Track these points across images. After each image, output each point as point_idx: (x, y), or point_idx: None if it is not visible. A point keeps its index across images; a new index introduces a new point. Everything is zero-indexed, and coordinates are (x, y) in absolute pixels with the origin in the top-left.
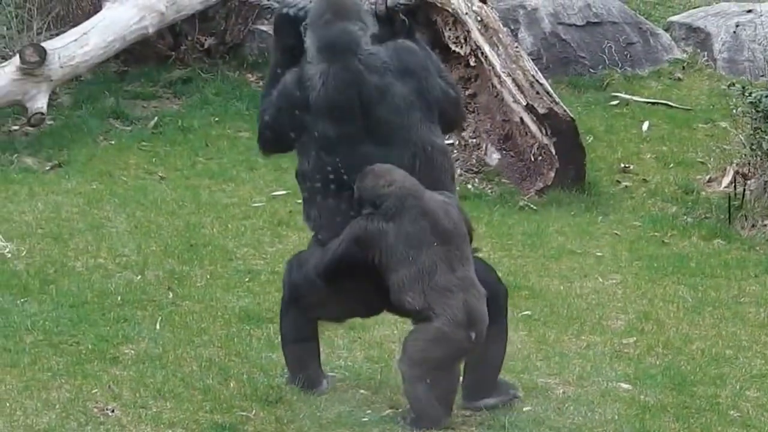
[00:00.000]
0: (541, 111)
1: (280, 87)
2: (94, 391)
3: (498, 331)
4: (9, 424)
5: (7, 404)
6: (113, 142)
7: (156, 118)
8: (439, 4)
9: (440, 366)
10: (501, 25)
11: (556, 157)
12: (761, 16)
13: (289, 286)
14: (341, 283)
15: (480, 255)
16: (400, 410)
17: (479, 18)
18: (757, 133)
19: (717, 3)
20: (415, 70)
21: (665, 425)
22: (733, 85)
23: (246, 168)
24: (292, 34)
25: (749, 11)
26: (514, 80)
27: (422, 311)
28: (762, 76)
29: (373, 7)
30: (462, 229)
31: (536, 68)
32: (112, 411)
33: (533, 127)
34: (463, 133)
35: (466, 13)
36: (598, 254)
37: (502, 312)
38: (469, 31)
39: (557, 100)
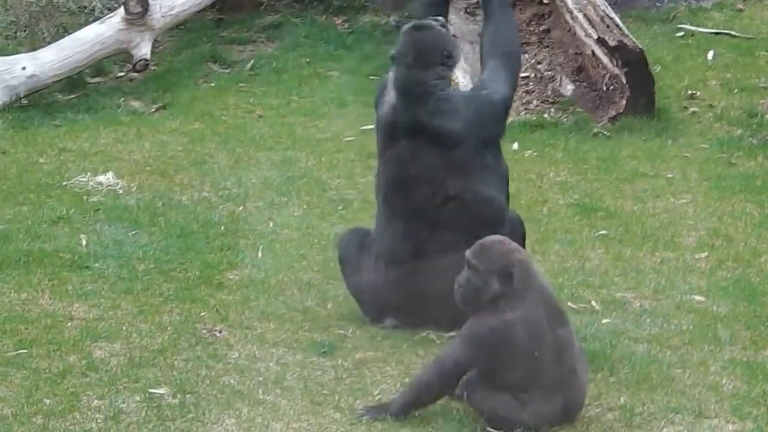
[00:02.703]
0: (612, 43)
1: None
2: (202, 314)
3: None
4: (126, 346)
5: (123, 327)
6: (213, 85)
7: (252, 60)
8: None
9: None
10: None
11: (627, 86)
12: None
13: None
14: None
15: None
16: None
17: None
18: None
19: None
20: (485, 121)
21: (737, 333)
22: None
23: (336, 105)
24: None
25: None
26: (585, 15)
27: None
28: None
29: None
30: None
31: (606, 3)
32: (220, 332)
33: (604, 59)
34: (539, 66)
35: None
36: (669, 176)
37: None
38: None
39: (626, 32)
